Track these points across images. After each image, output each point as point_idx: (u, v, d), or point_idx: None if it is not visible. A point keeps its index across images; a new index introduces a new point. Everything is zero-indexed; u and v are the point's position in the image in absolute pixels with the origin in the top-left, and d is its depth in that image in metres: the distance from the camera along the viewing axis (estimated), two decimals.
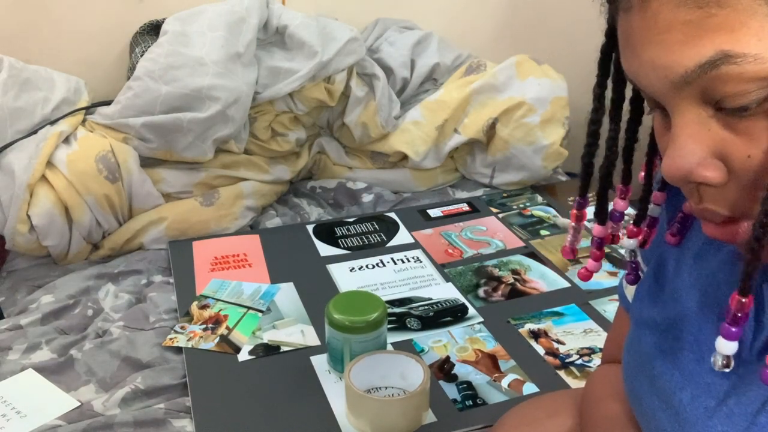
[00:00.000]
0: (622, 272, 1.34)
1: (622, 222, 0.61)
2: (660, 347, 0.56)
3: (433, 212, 1.58)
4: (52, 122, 1.41)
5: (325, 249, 1.44)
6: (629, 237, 0.61)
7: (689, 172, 0.43)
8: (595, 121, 0.55)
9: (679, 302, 0.56)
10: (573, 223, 0.61)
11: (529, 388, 1.06)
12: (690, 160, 0.43)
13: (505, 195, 1.66)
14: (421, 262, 1.39)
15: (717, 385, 0.50)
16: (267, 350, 1.15)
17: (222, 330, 1.19)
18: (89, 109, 1.50)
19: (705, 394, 0.50)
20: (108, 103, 1.48)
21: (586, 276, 0.62)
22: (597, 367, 0.78)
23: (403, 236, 1.49)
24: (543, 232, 1.50)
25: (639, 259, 0.64)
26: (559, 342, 1.16)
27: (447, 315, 1.23)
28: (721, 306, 0.51)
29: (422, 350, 1.14)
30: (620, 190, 0.60)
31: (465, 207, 1.61)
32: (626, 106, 0.55)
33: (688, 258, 0.57)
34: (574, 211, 0.60)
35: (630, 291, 0.70)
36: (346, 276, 1.35)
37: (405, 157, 1.68)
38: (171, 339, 1.17)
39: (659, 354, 0.56)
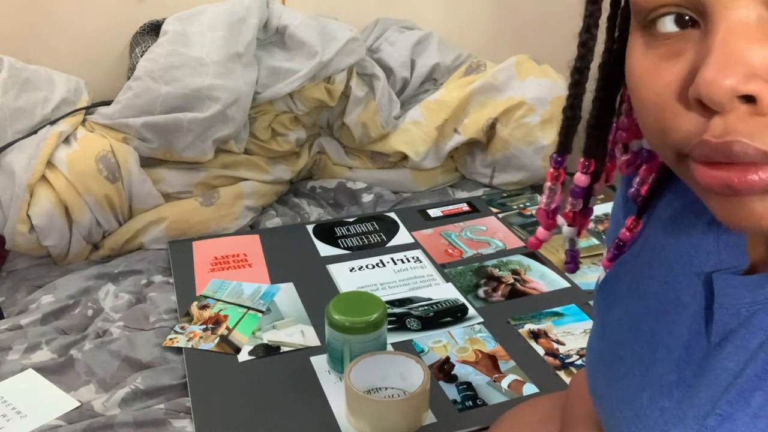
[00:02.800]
0: None
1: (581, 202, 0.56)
2: (622, 345, 0.54)
3: (433, 212, 1.58)
4: (52, 122, 1.41)
5: (325, 249, 1.44)
6: (569, 225, 0.56)
7: (743, 81, 0.35)
8: (586, 43, 0.47)
9: (639, 295, 0.54)
10: (548, 183, 0.54)
11: (529, 388, 1.06)
12: (743, 68, 0.35)
13: (505, 195, 1.66)
14: (421, 262, 1.39)
15: (669, 379, 0.48)
16: (267, 350, 1.15)
17: (222, 330, 1.19)
18: (89, 109, 1.50)
19: (660, 393, 0.49)
20: (108, 103, 1.48)
21: (535, 245, 0.58)
22: (580, 369, 0.78)
23: (403, 236, 1.49)
24: None
25: (578, 247, 0.60)
26: (559, 342, 1.16)
27: (447, 315, 1.23)
28: (679, 297, 0.50)
29: (422, 351, 1.14)
30: (582, 163, 0.53)
31: (465, 207, 1.61)
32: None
33: (647, 250, 0.55)
34: (551, 170, 0.53)
35: None
36: (346, 276, 1.35)
37: (405, 157, 1.68)
38: (171, 339, 1.17)
39: (621, 353, 0.54)
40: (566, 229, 0.57)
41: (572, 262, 0.60)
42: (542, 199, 0.55)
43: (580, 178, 0.53)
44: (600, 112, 0.51)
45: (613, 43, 0.50)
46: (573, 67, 0.49)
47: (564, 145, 0.52)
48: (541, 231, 0.56)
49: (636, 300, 0.54)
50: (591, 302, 1.25)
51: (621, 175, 0.57)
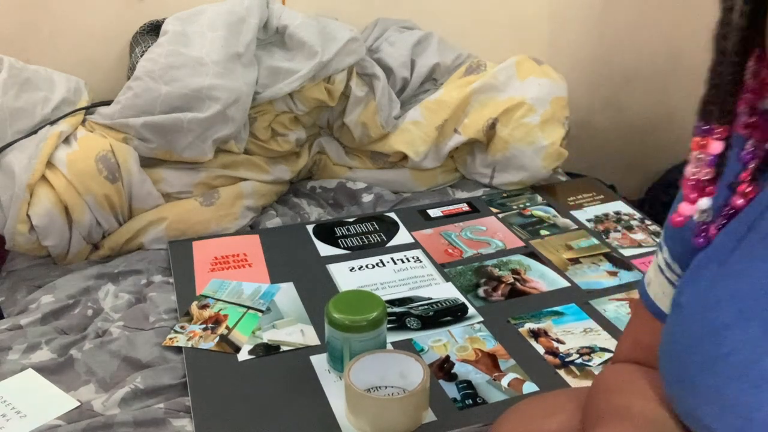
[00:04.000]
0: (623, 272, 1.34)
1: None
2: (738, 316, 0.53)
3: (433, 212, 1.58)
4: (52, 122, 1.41)
5: (325, 249, 1.44)
6: (704, 196, 0.55)
7: None
8: (731, 7, 0.48)
9: (754, 263, 0.53)
10: (695, 152, 0.53)
11: (529, 387, 1.06)
12: None
13: (505, 195, 1.66)
14: (420, 261, 1.39)
15: None
16: (267, 350, 1.15)
17: (222, 330, 1.19)
18: (89, 109, 1.50)
19: None
20: (108, 103, 1.48)
21: (679, 222, 0.57)
22: (607, 365, 0.76)
23: (402, 236, 1.49)
24: (543, 232, 1.49)
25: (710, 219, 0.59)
26: (558, 341, 1.16)
27: (447, 315, 1.23)
28: None
29: (422, 350, 1.14)
30: (712, 130, 0.53)
31: (465, 207, 1.61)
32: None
33: (760, 218, 0.54)
34: (696, 139, 0.53)
35: (654, 288, 0.68)
36: (346, 276, 1.35)
37: (405, 157, 1.68)
38: (171, 339, 1.17)
39: (736, 324, 0.53)
40: (703, 201, 0.56)
41: (703, 235, 0.58)
42: (689, 170, 0.54)
43: (715, 146, 0.52)
44: (730, 77, 0.51)
45: (746, 5, 0.50)
46: (717, 34, 0.49)
47: (710, 112, 0.52)
48: (684, 206, 0.55)
49: (748, 276, 0.53)
50: (591, 302, 1.25)
51: (737, 136, 0.56)
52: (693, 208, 0.55)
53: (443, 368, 1.10)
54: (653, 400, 0.63)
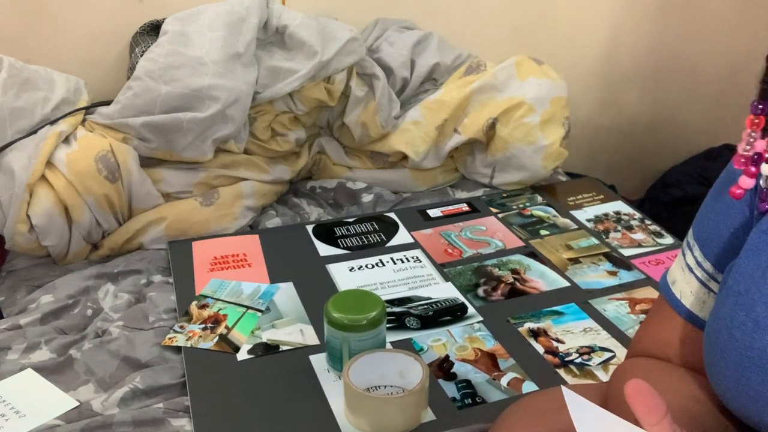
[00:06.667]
0: (623, 272, 1.34)
1: None
2: None
3: (433, 212, 1.58)
4: (52, 122, 1.41)
5: (324, 249, 1.44)
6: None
7: None
8: None
9: None
10: (748, 129, 0.55)
11: (529, 386, 1.06)
12: None
13: (504, 195, 1.66)
14: (420, 261, 1.39)
15: None
16: (266, 349, 1.15)
17: (221, 329, 1.19)
18: (89, 109, 1.50)
19: None
20: (108, 103, 1.48)
21: (739, 194, 0.57)
22: (626, 360, 0.75)
23: (402, 236, 1.49)
24: (543, 232, 1.49)
25: None
26: (558, 341, 1.16)
27: (446, 314, 1.23)
28: None
29: (421, 349, 1.14)
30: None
31: (465, 207, 1.61)
32: None
33: None
34: (751, 116, 0.55)
35: (680, 287, 0.67)
36: (346, 276, 1.35)
37: (405, 157, 1.68)
38: (170, 338, 1.17)
39: None
40: (766, 167, 0.57)
41: None
42: (741, 146, 0.56)
43: None
44: None
45: None
46: None
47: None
48: (743, 179, 0.57)
49: None
50: (590, 301, 1.25)
51: None
52: (750, 182, 0.57)
53: (442, 368, 1.10)
54: (686, 396, 0.63)
